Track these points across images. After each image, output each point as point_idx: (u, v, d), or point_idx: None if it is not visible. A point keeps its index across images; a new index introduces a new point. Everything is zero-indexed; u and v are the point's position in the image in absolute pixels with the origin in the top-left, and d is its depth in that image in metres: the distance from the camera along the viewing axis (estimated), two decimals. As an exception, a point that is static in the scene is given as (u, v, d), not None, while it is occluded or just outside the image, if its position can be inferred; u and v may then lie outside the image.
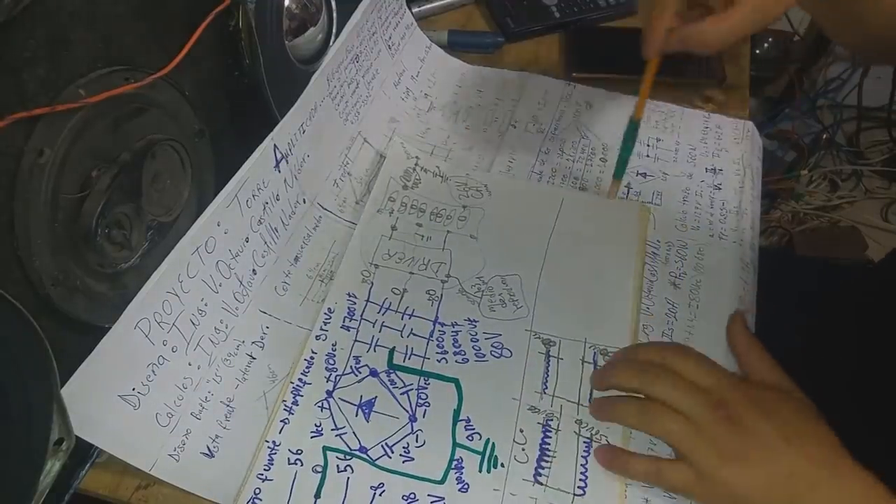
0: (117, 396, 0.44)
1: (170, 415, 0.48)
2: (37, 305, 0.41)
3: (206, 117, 0.52)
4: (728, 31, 0.49)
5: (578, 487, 0.46)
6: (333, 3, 0.62)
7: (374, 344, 0.53)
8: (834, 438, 0.43)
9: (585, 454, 0.48)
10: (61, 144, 0.40)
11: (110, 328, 0.43)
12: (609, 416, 0.49)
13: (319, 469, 0.48)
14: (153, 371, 0.46)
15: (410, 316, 0.55)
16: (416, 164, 0.64)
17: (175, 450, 0.48)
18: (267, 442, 0.48)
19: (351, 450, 0.48)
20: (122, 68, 0.43)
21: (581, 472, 0.47)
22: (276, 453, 0.48)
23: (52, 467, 0.39)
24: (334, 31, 0.62)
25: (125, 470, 0.47)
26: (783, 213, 1.48)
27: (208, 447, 0.48)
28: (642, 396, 0.47)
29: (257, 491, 0.46)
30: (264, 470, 0.47)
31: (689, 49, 0.51)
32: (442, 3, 0.81)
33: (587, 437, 0.48)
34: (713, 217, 0.61)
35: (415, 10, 0.76)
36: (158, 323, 0.46)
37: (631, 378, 0.48)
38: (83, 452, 0.47)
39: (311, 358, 0.52)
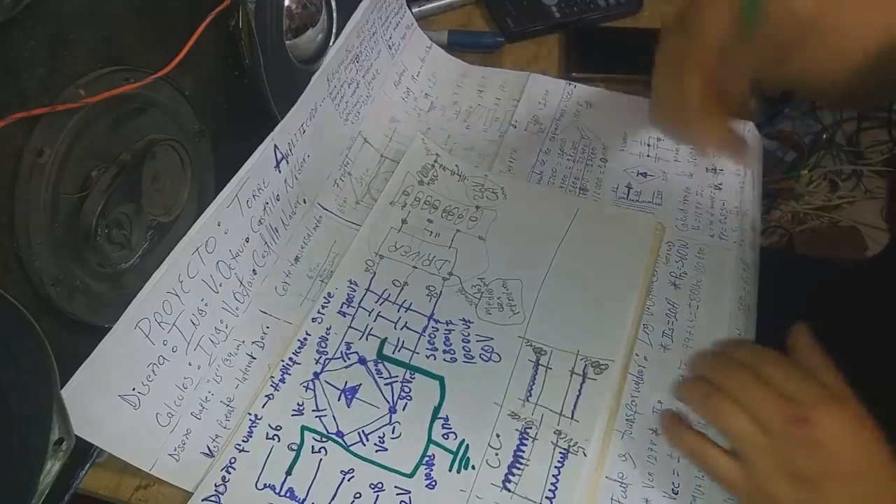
0: (117, 396, 0.44)
1: (170, 414, 0.48)
2: (37, 305, 0.41)
3: (206, 117, 0.52)
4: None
5: (546, 498, 0.46)
6: (333, 3, 0.62)
7: (367, 332, 0.54)
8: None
9: (559, 465, 0.47)
10: (61, 144, 0.40)
11: (110, 328, 0.43)
12: (678, 395, 0.45)
13: (295, 447, 0.48)
14: (153, 371, 0.47)
15: (407, 309, 0.55)
16: (435, 161, 0.65)
17: (175, 449, 0.48)
18: (249, 415, 0.49)
19: (328, 432, 0.49)
20: (122, 68, 0.43)
21: (552, 483, 0.47)
22: (256, 426, 0.49)
23: (52, 467, 0.39)
24: (334, 31, 0.62)
25: (125, 470, 0.47)
26: (783, 213, 1.47)
27: (208, 447, 0.49)
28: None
29: (233, 460, 0.47)
30: (242, 441, 0.48)
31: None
32: (442, 3, 0.81)
33: (564, 449, 0.48)
34: (713, 217, 0.61)
35: (415, 10, 0.76)
36: (159, 323, 0.46)
37: (711, 369, 0.43)
38: (83, 452, 0.47)
39: (305, 339, 0.53)
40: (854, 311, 0.62)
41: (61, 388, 0.40)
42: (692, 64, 0.43)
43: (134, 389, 0.45)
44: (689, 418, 0.45)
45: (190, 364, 0.49)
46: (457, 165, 0.65)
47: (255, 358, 0.53)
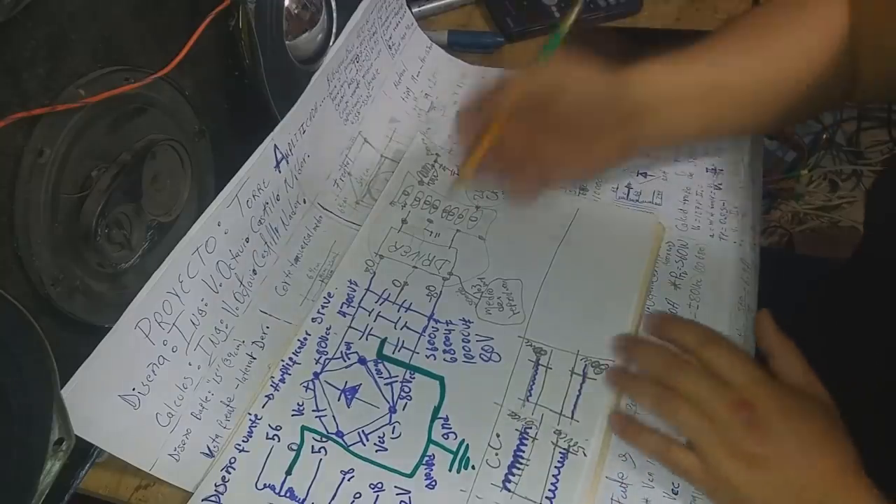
0: (117, 396, 0.45)
1: (170, 415, 0.48)
2: (37, 305, 0.41)
3: (206, 117, 0.52)
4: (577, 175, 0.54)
5: (546, 498, 0.46)
6: (333, 4, 0.62)
7: (367, 332, 0.54)
8: (853, 454, 0.42)
9: (559, 465, 0.47)
10: (61, 144, 0.40)
11: (110, 328, 0.43)
12: (625, 389, 0.49)
13: (295, 447, 0.48)
14: (153, 371, 0.47)
15: (407, 309, 0.55)
16: (435, 161, 0.65)
17: (175, 450, 0.48)
18: (249, 414, 0.49)
19: (328, 432, 0.49)
20: (122, 68, 0.43)
21: (552, 483, 0.47)
22: (256, 426, 0.49)
23: (52, 467, 0.39)
24: (334, 31, 0.62)
25: (125, 470, 0.47)
26: (783, 213, 1.48)
27: (208, 447, 0.48)
28: None
29: (232, 460, 0.47)
30: (242, 441, 0.48)
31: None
32: (442, 3, 0.81)
33: (564, 449, 0.48)
34: (714, 217, 0.61)
35: (415, 10, 0.76)
36: (159, 323, 0.46)
37: (656, 365, 0.47)
38: (83, 452, 0.47)
39: (305, 339, 0.53)
40: (847, 311, 0.62)
41: (61, 388, 0.40)
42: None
43: (134, 389, 0.45)
44: (636, 416, 0.48)
45: (190, 364, 0.49)
46: (457, 165, 0.64)
47: (255, 358, 0.53)
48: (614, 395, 0.50)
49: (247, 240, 0.53)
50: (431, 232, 0.60)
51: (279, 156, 0.54)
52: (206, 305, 0.50)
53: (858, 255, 0.63)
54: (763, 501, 0.42)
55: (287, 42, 0.56)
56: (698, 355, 0.46)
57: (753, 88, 0.54)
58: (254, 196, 0.53)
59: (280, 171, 0.55)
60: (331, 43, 0.62)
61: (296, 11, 0.58)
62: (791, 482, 0.41)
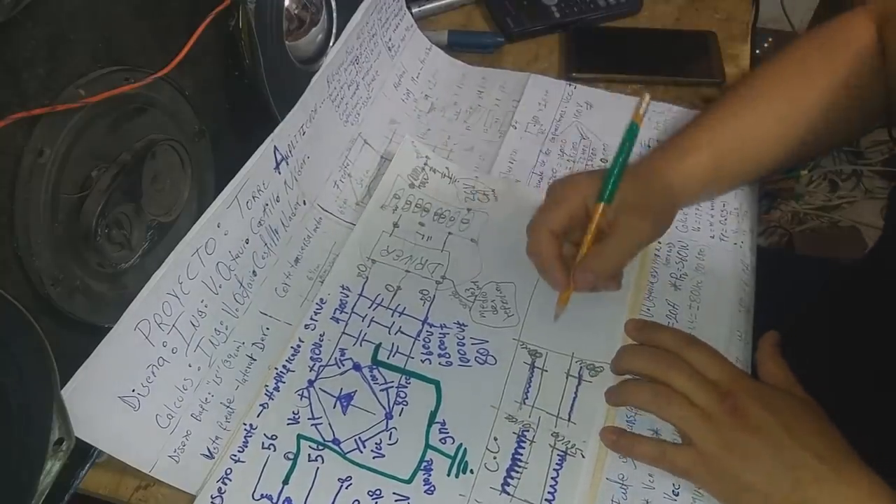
0: (117, 398, 0.44)
1: (170, 416, 0.48)
2: (37, 305, 0.41)
3: (206, 117, 0.52)
4: (605, 263, 0.50)
5: (545, 500, 0.46)
6: (333, 4, 0.62)
7: (361, 338, 0.54)
8: (840, 439, 0.44)
9: (558, 467, 0.47)
10: (61, 144, 0.40)
11: (110, 328, 0.43)
12: (622, 399, 0.49)
13: (291, 456, 0.48)
14: (153, 372, 0.46)
15: (401, 314, 0.55)
16: (425, 164, 0.64)
17: (175, 451, 0.48)
18: (244, 425, 0.49)
19: (324, 440, 0.49)
20: (122, 68, 0.43)
21: (550, 486, 0.47)
22: (251, 436, 0.49)
23: (52, 467, 0.39)
24: (334, 31, 0.62)
25: (125, 470, 0.47)
26: (783, 213, 1.48)
27: (208, 448, 0.48)
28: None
29: (228, 471, 0.47)
30: (238, 451, 0.48)
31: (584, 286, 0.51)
32: (442, 3, 0.81)
33: (562, 451, 0.48)
34: (714, 218, 0.61)
35: (415, 10, 0.76)
36: (158, 324, 0.46)
37: (646, 364, 0.49)
38: (83, 452, 0.47)
39: (298, 346, 0.53)
40: (850, 310, 0.62)
41: (61, 388, 0.40)
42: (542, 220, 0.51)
43: (134, 391, 0.45)
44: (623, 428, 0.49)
45: (190, 366, 0.49)
46: (447, 168, 0.64)
47: (255, 359, 0.53)
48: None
49: (246, 241, 0.53)
50: (423, 235, 0.60)
51: (279, 157, 0.54)
52: (205, 307, 0.50)
53: (874, 254, 0.63)
54: (763, 487, 0.43)
55: (287, 42, 0.56)
56: (680, 356, 0.48)
57: (767, 140, 0.55)
58: (253, 197, 0.52)
59: (280, 173, 0.55)
60: (331, 43, 0.62)
61: (296, 11, 0.58)
62: (782, 463, 0.43)
